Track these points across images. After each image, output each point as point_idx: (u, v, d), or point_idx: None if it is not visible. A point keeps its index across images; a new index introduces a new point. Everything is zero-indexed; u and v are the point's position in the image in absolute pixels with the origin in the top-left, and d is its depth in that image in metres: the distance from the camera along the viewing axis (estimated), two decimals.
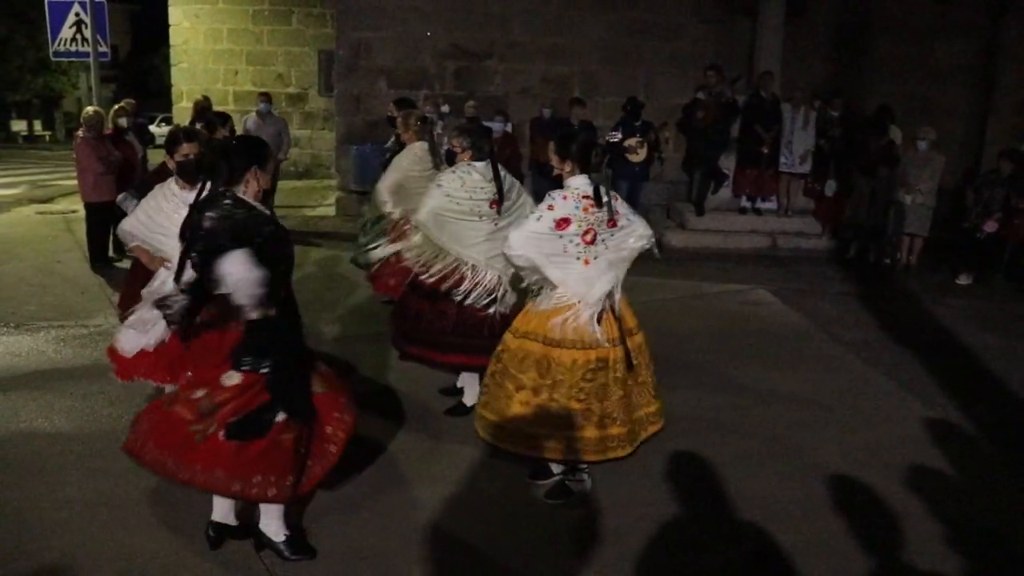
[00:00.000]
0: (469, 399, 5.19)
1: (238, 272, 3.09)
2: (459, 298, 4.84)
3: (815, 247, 10.75)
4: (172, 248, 4.17)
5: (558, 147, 4.06)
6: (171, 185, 4.42)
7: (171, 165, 4.60)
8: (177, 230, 3.44)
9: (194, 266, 3.21)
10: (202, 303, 3.26)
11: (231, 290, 3.12)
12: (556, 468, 4.29)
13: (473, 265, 4.83)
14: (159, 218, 4.30)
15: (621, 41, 12.05)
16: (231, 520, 3.67)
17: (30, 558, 3.54)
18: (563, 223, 3.90)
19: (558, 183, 4.13)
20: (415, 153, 6.16)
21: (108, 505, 3.97)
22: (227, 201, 3.24)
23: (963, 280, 9.31)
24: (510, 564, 3.68)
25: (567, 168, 4.03)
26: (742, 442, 4.97)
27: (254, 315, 3.21)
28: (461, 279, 4.84)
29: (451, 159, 5.00)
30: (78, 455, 4.48)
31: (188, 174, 4.33)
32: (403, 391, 5.52)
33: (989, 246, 9.32)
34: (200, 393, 3.36)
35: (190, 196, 4.21)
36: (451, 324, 4.90)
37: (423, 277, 4.94)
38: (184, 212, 3.97)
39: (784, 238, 10.86)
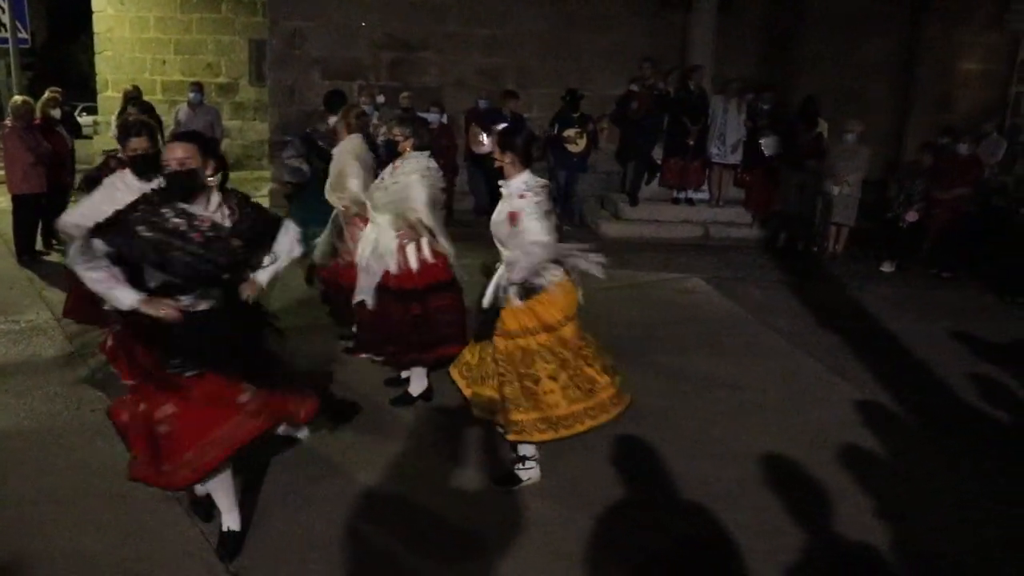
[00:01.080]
0: (415, 389, 5.26)
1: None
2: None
3: (746, 236, 11.03)
4: None
5: (501, 140, 4.14)
6: (126, 177, 4.31)
7: (122, 157, 4.45)
8: None
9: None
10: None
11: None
12: (520, 453, 4.36)
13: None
14: (110, 209, 4.22)
15: (557, 33, 12.15)
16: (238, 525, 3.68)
17: None
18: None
19: (495, 174, 4.26)
20: (356, 145, 6.09)
21: (54, 502, 3.92)
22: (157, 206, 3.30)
23: (887, 268, 9.68)
24: (457, 548, 3.75)
25: (507, 160, 4.11)
26: (679, 426, 5.13)
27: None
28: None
29: (390, 149, 5.02)
30: (21, 453, 4.40)
31: (143, 170, 4.26)
32: (346, 381, 5.53)
33: (911, 235, 9.71)
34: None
35: (148, 187, 4.20)
36: (423, 321, 4.97)
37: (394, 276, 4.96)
38: None
39: (716, 227, 11.12)
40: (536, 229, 3.96)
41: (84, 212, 4.26)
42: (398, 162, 4.96)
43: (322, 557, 3.61)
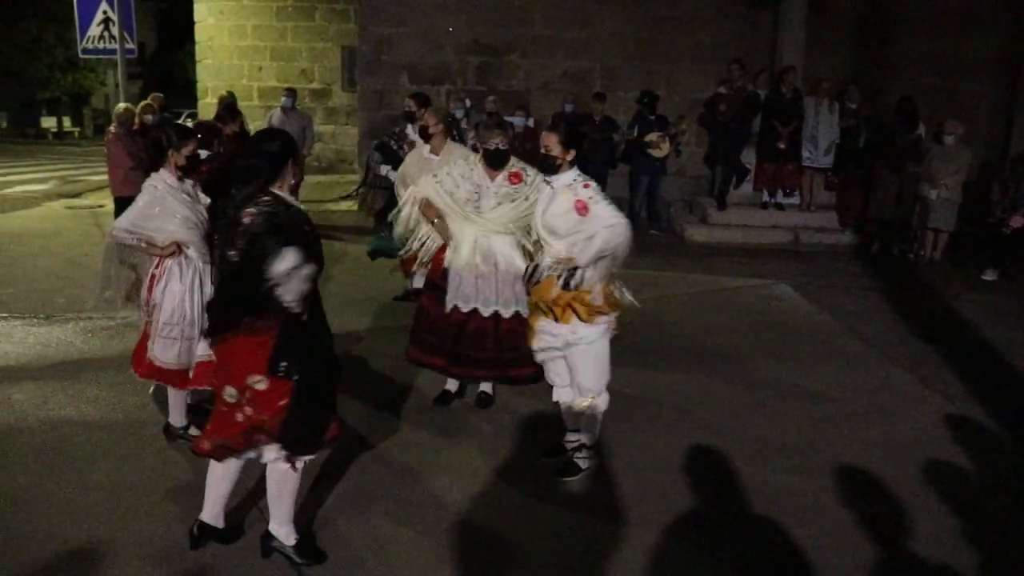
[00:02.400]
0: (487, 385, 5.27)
1: (290, 268, 3.09)
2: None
3: (837, 242, 10.69)
4: (172, 234, 4.28)
5: (567, 138, 4.14)
6: (167, 177, 4.39)
7: (179, 161, 4.53)
8: (180, 219, 3.55)
9: (231, 263, 3.21)
10: (247, 303, 3.24)
11: (282, 286, 3.12)
12: (570, 443, 4.42)
13: None
14: (156, 210, 4.34)
15: (642, 35, 12.04)
16: (219, 523, 3.63)
17: (59, 542, 3.64)
18: None
19: (543, 169, 4.27)
20: (417, 161, 6.07)
21: (133, 491, 4.07)
22: (266, 198, 3.24)
23: (988, 276, 9.22)
24: (526, 553, 3.73)
25: (569, 157, 4.15)
26: (759, 435, 4.99)
27: (297, 310, 3.21)
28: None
29: (497, 159, 4.86)
30: (105, 442, 4.59)
31: (188, 171, 4.43)
32: (422, 386, 5.57)
33: (1015, 241, 9.23)
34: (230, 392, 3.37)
35: (187, 187, 4.36)
36: (468, 336, 4.89)
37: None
38: (184, 201, 4.16)
39: (806, 233, 10.82)
40: (610, 212, 4.06)
41: (134, 218, 4.36)
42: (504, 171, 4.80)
43: (386, 554, 3.64)
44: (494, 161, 4.76)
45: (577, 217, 4.05)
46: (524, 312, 4.73)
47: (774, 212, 11.06)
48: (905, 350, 6.69)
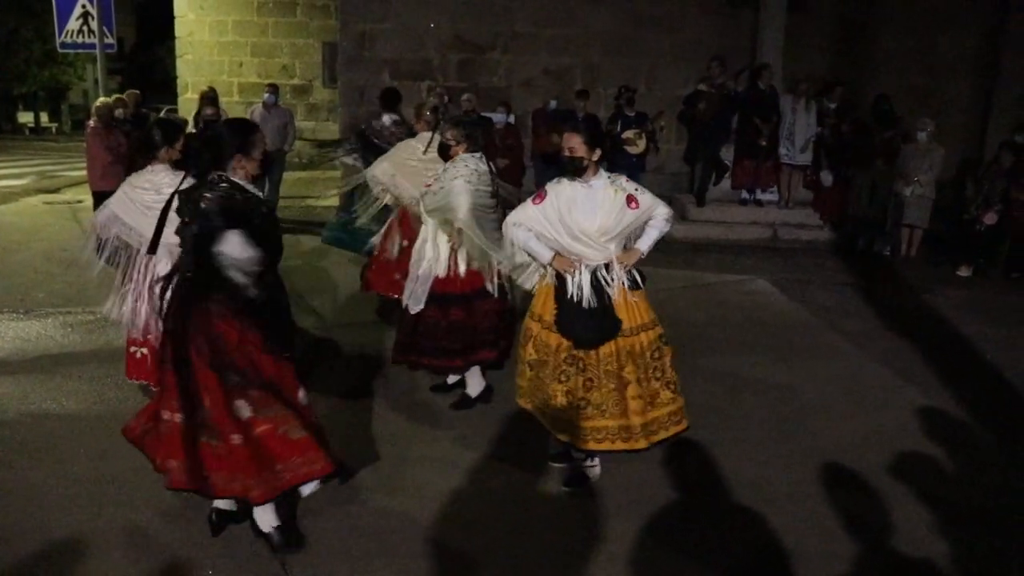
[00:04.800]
0: (473, 390, 5.25)
1: (235, 251, 3.24)
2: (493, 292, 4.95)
3: (816, 238, 10.81)
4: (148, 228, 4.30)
5: (591, 138, 4.01)
6: (156, 169, 4.56)
7: (174, 156, 4.60)
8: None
9: (189, 245, 3.35)
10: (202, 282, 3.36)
11: (228, 269, 3.26)
12: (576, 454, 4.34)
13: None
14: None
15: (624, 32, 12.10)
16: (232, 506, 3.69)
17: (41, 534, 3.64)
18: None
19: (564, 173, 4.10)
20: (412, 144, 6.06)
21: (115, 483, 4.07)
22: (223, 184, 3.35)
23: (963, 272, 9.36)
24: (513, 547, 3.76)
25: (595, 157, 4.03)
26: (737, 428, 5.05)
27: (249, 293, 3.32)
28: (492, 274, 4.94)
29: (444, 152, 4.98)
30: (86, 435, 4.59)
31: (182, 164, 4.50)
32: (402, 384, 5.59)
33: (989, 238, 9.37)
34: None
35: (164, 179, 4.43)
36: (464, 327, 4.95)
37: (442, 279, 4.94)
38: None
39: (785, 229, 10.92)
40: (654, 198, 4.13)
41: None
42: (448, 165, 4.87)
43: (372, 543, 3.67)
44: (441, 153, 4.95)
45: (630, 212, 4.03)
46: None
47: (753, 208, 11.15)
48: (881, 344, 6.78)
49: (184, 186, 3.45)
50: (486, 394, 5.27)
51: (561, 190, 4.07)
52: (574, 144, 3.97)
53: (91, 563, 3.47)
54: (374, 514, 3.91)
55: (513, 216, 4.20)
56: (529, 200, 4.20)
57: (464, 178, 4.71)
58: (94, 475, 4.15)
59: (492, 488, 4.25)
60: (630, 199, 4.03)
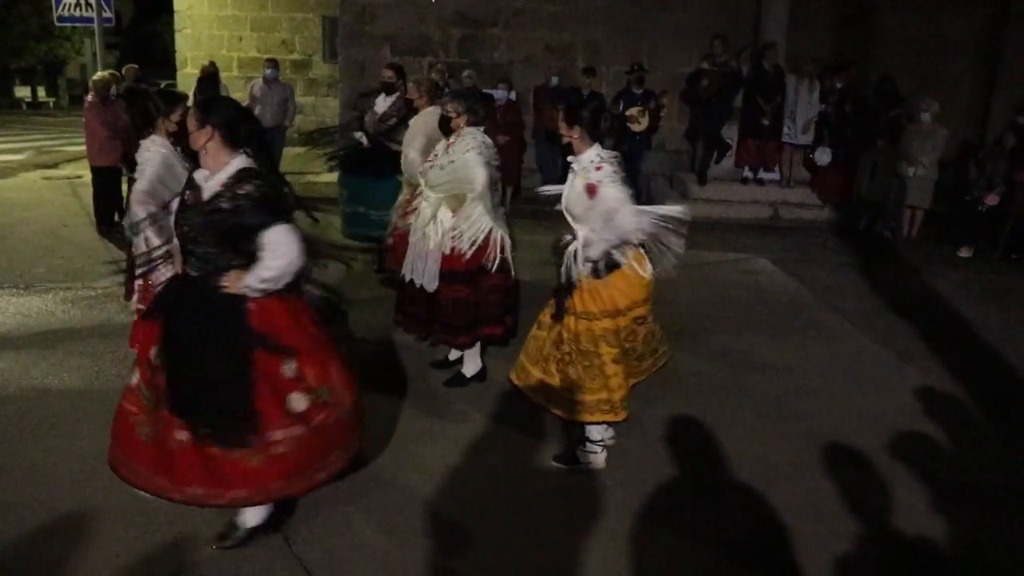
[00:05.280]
0: (469, 370, 5.25)
1: (285, 244, 3.11)
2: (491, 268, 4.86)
3: (816, 218, 10.79)
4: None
5: (567, 115, 4.07)
6: (160, 143, 4.54)
7: (170, 128, 4.57)
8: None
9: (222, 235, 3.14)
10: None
11: (275, 260, 3.11)
12: (588, 436, 4.30)
13: (502, 234, 4.85)
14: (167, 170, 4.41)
15: (626, 9, 12.02)
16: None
17: (46, 509, 3.66)
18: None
19: (566, 150, 4.18)
20: (428, 119, 5.99)
21: None
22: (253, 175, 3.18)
23: (964, 253, 9.36)
24: (514, 523, 3.79)
25: (575, 135, 4.05)
26: (737, 406, 5.07)
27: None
28: (493, 250, 4.84)
29: (444, 124, 4.95)
30: (88, 411, 4.59)
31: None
32: (400, 358, 5.60)
33: (990, 219, 9.36)
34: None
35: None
36: (469, 304, 4.89)
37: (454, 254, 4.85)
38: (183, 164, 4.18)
39: (785, 208, 10.90)
40: (616, 195, 3.89)
41: (149, 184, 4.41)
42: (452, 139, 4.84)
43: (372, 520, 3.69)
44: (442, 126, 4.92)
45: (588, 200, 3.95)
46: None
47: (754, 187, 11.12)
48: (881, 324, 6.80)
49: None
50: (481, 374, 5.27)
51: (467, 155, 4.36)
52: (557, 121, 4.14)
53: (94, 539, 3.49)
54: (376, 489, 3.93)
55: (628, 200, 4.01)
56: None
57: (476, 151, 4.71)
58: (96, 451, 4.11)
59: (493, 464, 4.27)
60: (590, 187, 3.94)
